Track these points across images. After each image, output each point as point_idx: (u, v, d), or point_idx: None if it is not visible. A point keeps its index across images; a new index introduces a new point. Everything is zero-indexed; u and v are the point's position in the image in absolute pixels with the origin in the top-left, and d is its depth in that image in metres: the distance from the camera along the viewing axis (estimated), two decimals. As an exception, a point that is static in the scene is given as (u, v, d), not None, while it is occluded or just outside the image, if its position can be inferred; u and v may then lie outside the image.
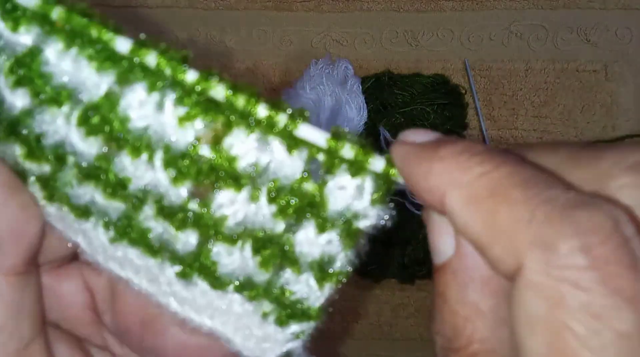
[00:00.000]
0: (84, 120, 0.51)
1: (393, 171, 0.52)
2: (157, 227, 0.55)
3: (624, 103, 1.45)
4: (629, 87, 1.45)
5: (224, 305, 0.59)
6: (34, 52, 0.51)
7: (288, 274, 0.56)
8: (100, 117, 0.51)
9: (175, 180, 0.52)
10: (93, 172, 0.53)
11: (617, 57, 1.46)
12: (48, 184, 0.56)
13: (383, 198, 0.53)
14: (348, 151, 0.51)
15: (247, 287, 0.57)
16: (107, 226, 0.56)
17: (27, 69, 0.52)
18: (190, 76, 0.50)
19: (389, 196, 0.53)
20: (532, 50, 1.42)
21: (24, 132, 0.54)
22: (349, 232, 0.55)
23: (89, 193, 0.54)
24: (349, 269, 0.56)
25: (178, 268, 0.57)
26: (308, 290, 0.57)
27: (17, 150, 0.54)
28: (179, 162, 0.51)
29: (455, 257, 0.42)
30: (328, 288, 0.58)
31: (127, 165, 0.52)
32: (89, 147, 0.52)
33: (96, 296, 0.61)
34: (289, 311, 0.58)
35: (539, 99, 1.44)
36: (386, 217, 0.54)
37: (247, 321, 0.59)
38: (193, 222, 0.54)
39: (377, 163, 0.52)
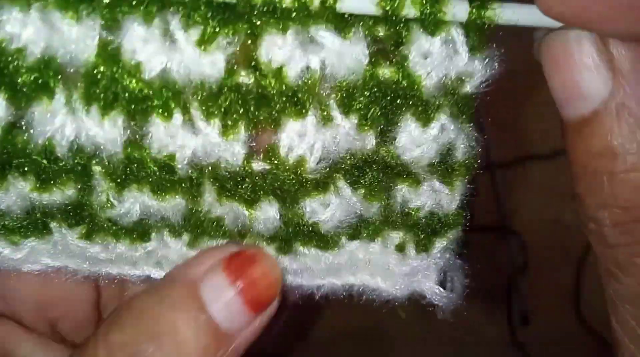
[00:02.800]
0: (90, 95, 0.39)
1: (485, 12, 0.37)
2: (227, 212, 0.45)
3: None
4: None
5: (344, 259, 0.49)
6: None
7: (404, 191, 0.45)
8: (107, 81, 0.38)
9: (226, 130, 0.40)
10: (130, 171, 0.42)
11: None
12: (80, 214, 0.44)
13: (483, 43, 0.40)
14: (411, 8, 0.37)
15: (361, 229, 0.47)
16: (175, 232, 0.46)
17: None
18: None
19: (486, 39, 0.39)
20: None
21: (22, 155, 0.40)
22: (460, 104, 0.42)
23: (137, 203, 0.44)
24: (475, 148, 0.44)
25: (274, 246, 0.47)
26: (436, 196, 0.46)
27: (24, 186, 0.42)
28: (219, 101, 0.39)
29: (616, 93, 0.37)
30: (460, 184, 0.45)
31: (162, 136, 0.40)
32: (111, 131, 0.40)
33: (102, 293, 0.58)
34: (427, 231, 0.47)
35: (540, 98, 1.44)
36: (495, 64, 0.41)
37: (382, 261, 0.49)
38: (265, 188, 0.43)
39: (458, 8, 0.38)
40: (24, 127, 0.40)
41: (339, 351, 1.49)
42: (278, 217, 0.45)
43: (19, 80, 0.38)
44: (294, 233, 0.46)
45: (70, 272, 0.48)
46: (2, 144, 0.40)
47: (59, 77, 0.39)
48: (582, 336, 1.64)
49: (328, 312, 1.41)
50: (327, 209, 0.45)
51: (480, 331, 1.61)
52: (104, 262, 0.47)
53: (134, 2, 0.37)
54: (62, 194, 0.43)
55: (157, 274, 0.49)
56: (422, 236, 0.47)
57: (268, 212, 0.45)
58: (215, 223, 0.46)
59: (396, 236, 0.48)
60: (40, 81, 0.38)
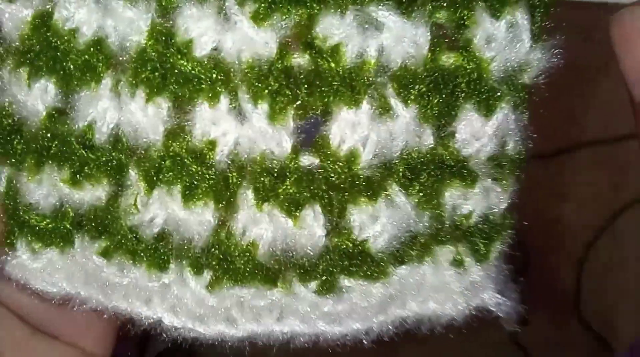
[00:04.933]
0: (138, 78, 0.38)
1: None
2: (264, 231, 0.40)
3: (625, 101, 1.45)
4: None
5: (394, 290, 0.44)
6: (43, 16, 0.39)
7: (454, 196, 0.42)
8: (156, 60, 0.38)
9: (274, 114, 0.38)
10: (165, 164, 0.39)
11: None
12: (105, 223, 0.42)
13: (543, 29, 0.39)
14: None
15: (408, 250, 0.43)
16: (197, 267, 0.41)
17: (42, 40, 0.38)
18: None
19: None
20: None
21: (61, 141, 0.40)
22: (520, 94, 0.41)
23: (163, 209, 0.40)
24: (526, 142, 0.42)
25: (314, 285, 0.42)
26: (487, 196, 0.43)
27: (58, 177, 0.41)
28: (269, 82, 0.38)
29: None
30: (511, 181, 0.44)
31: (206, 122, 0.39)
32: (153, 117, 0.39)
33: None
34: (483, 236, 0.44)
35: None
36: (555, 54, 0.40)
37: (434, 283, 0.45)
38: (311, 189, 0.39)
39: None
40: (67, 111, 0.40)
41: (338, 351, 1.49)
42: (323, 233, 0.40)
43: (69, 63, 0.39)
44: (341, 258, 0.41)
45: (79, 302, 0.45)
46: (45, 129, 0.40)
47: (109, 61, 0.39)
48: (582, 336, 1.64)
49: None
50: (377, 221, 0.41)
51: (479, 331, 1.61)
52: (117, 292, 0.43)
53: None
54: (93, 192, 0.41)
55: (171, 320, 0.43)
56: (481, 243, 0.44)
57: (312, 226, 0.40)
58: (246, 251, 0.41)
59: (448, 251, 0.44)
60: (89, 64, 0.39)
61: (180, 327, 0.43)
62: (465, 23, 0.37)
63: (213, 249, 0.41)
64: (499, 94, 0.39)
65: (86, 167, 0.40)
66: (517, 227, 0.47)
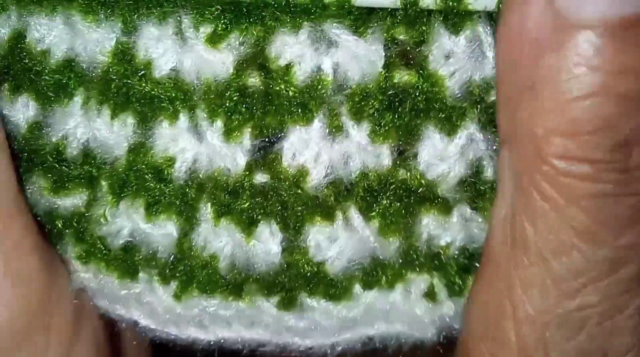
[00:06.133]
0: (103, 96, 0.40)
1: None
2: (224, 245, 0.41)
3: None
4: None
5: (360, 312, 0.43)
6: (18, 36, 0.42)
7: (430, 224, 0.40)
8: (119, 80, 0.40)
9: (229, 132, 0.39)
10: (128, 178, 0.41)
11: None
12: (80, 230, 0.44)
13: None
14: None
15: (377, 274, 0.41)
16: (164, 277, 0.43)
17: (18, 60, 0.42)
18: None
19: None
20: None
21: (39, 153, 0.43)
22: (489, 113, 0.38)
23: (127, 220, 0.42)
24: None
25: (275, 300, 0.42)
26: (467, 226, 0.40)
27: (42, 184, 0.44)
28: (224, 100, 0.39)
29: None
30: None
31: (165, 139, 0.40)
32: (119, 133, 0.41)
33: None
34: (460, 270, 0.41)
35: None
36: None
37: (404, 309, 0.43)
38: (266, 206, 0.41)
39: None
40: (43, 127, 0.43)
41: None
42: (279, 250, 0.41)
43: (43, 82, 0.42)
44: (298, 277, 0.41)
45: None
46: (26, 141, 0.43)
47: (80, 79, 0.41)
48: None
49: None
50: (334, 244, 0.40)
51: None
52: (97, 294, 0.45)
53: (150, 4, 0.39)
54: (72, 200, 0.44)
55: (147, 322, 0.45)
56: (458, 278, 0.41)
57: (268, 242, 0.41)
58: (207, 265, 0.42)
59: (421, 280, 0.41)
60: (61, 83, 0.41)
61: (155, 329, 0.45)
62: (423, 39, 0.37)
63: (177, 261, 0.42)
64: (460, 112, 0.38)
65: (61, 178, 0.43)
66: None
